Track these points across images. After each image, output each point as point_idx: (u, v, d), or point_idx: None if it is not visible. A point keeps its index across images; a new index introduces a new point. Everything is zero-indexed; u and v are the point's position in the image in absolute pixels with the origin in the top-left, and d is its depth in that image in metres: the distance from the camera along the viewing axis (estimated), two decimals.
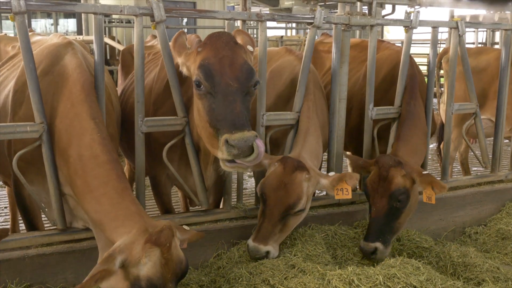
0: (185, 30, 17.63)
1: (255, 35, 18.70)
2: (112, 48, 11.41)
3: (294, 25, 19.27)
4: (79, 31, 15.77)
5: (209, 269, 3.69)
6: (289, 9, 21.18)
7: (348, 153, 5.92)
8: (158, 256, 2.62)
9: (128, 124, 3.92)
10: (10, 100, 3.30)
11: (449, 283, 3.22)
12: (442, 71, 6.52)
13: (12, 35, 3.94)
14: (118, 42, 11.87)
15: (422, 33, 16.19)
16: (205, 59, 3.02)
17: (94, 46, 3.38)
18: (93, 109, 3.06)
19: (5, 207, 5.79)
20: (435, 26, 4.64)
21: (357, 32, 7.69)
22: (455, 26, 4.68)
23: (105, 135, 2.99)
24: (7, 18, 3.22)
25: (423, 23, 4.56)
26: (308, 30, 4.02)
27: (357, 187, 5.15)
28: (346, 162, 6.25)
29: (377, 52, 4.45)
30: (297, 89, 3.99)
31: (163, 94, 3.72)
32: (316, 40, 5.78)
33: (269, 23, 5.57)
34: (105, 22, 12.09)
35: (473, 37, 13.13)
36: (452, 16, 12.50)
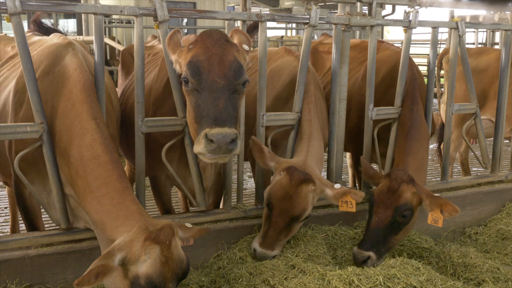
0: (185, 31, 17.71)
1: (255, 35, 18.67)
2: (112, 49, 11.42)
3: (294, 25, 19.26)
4: (79, 32, 15.77)
5: (209, 269, 3.69)
6: (289, 10, 21.20)
7: (348, 161, 5.93)
8: (157, 253, 2.61)
9: (128, 125, 3.92)
10: (11, 101, 3.30)
11: (449, 283, 3.22)
12: (442, 71, 6.52)
13: (12, 35, 3.94)
14: (118, 42, 11.87)
15: (422, 33, 16.21)
16: (194, 56, 3.02)
17: (94, 47, 3.38)
18: (94, 109, 3.06)
19: (5, 207, 5.79)
20: (435, 26, 4.64)
21: (357, 32, 7.70)
22: (455, 26, 4.68)
23: (106, 135, 2.99)
24: None
25: (423, 24, 4.56)
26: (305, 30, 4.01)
27: (357, 187, 5.16)
28: (346, 162, 6.28)
29: (377, 52, 4.45)
30: (296, 89, 3.99)
31: (163, 94, 3.72)
32: (316, 41, 5.79)
33: (269, 24, 5.57)
34: (105, 22, 12.10)
35: (473, 38, 13.12)
36: (452, 17, 12.51)
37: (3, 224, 5.42)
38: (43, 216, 3.63)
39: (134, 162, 3.69)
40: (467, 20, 10.26)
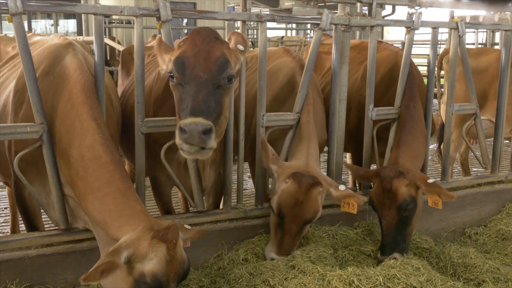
0: (185, 31, 17.69)
1: (255, 36, 18.72)
2: (112, 49, 11.42)
3: (294, 25, 19.27)
4: (79, 32, 15.78)
5: (209, 269, 3.69)
6: (289, 10, 21.21)
7: (348, 161, 5.94)
8: (164, 252, 2.62)
9: (129, 125, 3.92)
10: (11, 101, 3.30)
11: (449, 283, 3.22)
12: (442, 72, 6.52)
13: (12, 35, 3.94)
14: (118, 42, 11.87)
15: (422, 33, 16.20)
16: (182, 52, 3.03)
17: (94, 47, 3.38)
18: (94, 110, 3.06)
19: (5, 208, 5.79)
20: (435, 26, 4.64)
21: (357, 33, 7.70)
22: (455, 26, 4.68)
23: (107, 135, 2.99)
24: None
25: (423, 24, 4.56)
26: (310, 31, 4.02)
27: (357, 187, 5.16)
28: (346, 162, 6.27)
29: (376, 53, 4.45)
30: (299, 90, 3.99)
31: (163, 95, 3.72)
32: None
33: (269, 24, 5.57)
34: (105, 22, 12.11)
35: (473, 38, 13.12)
36: (452, 17, 12.50)
37: (3, 224, 5.42)
38: (43, 216, 3.63)
39: (134, 162, 3.69)
40: (467, 20, 10.26)
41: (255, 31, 18.35)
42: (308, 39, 15.03)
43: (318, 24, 4.02)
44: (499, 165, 5.29)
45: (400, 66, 4.47)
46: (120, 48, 9.45)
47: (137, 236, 2.66)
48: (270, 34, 18.99)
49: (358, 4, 8.87)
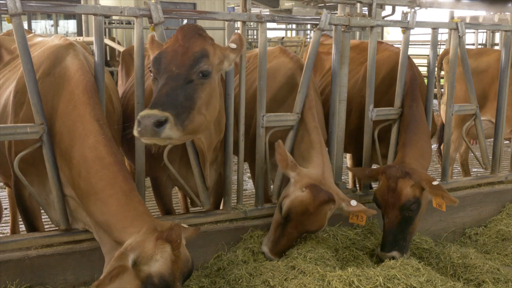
0: None
1: (255, 37, 18.73)
2: (112, 49, 11.41)
3: (294, 26, 19.27)
4: (79, 32, 15.78)
5: (209, 270, 3.69)
6: (289, 10, 21.23)
7: (348, 162, 5.94)
8: (169, 252, 2.64)
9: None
10: (11, 102, 3.30)
11: (449, 284, 3.22)
12: (442, 72, 6.52)
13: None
14: (118, 43, 11.87)
15: (422, 34, 16.22)
16: (164, 48, 3.04)
17: (94, 47, 3.38)
18: (96, 110, 3.06)
19: (5, 208, 5.79)
20: (435, 27, 4.64)
21: (357, 33, 7.70)
22: (455, 27, 4.68)
23: (109, 136, 2.99)
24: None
25: (423, 24, 4.56)
26: (310, 31, 4.03)
27: (357, 188, 5.16)
28: (346, 163, 6.28)
29: (376, 53, 4.45)
30: (298, 90, 3.99)
31: None
32: None
33: (269, 25, 5.57)
34: (105, 23, 12.11)
35: (473, 38, 13.13)
36: (452, 17, 12.51)
37: (3, 225, 5.41)
38: (43, 217, 3.63)
39: (135, 163, 3.69)
40: (467, 21, 10.26)
41: (255, 31, 18.36)
42: (308, 39, 15.03)
43: (317, 25, 4.03)
44: (499, 165, 5.29)
45: (406, 67, 4.47)
46: (120, 48, 9.44)
47: (141, 238, 2.67)
48: (270, 34, 18.99)
49: (358, 4, 8.86)
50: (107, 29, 13.52)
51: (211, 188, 3.95)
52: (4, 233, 5.16)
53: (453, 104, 4.82)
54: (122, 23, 14.14)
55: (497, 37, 13.31)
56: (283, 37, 17.92)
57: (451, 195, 4.68)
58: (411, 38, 4.58)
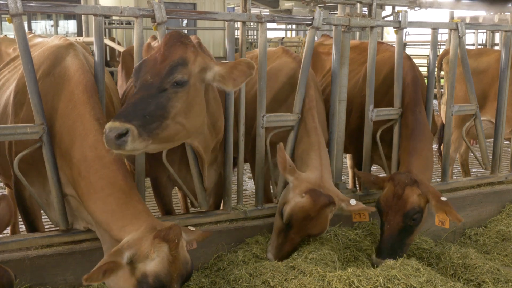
0: (185, 31, 17.63)
1: (255, 37, 18.73)
2: (112, 50, 11.42)
3: (294, 26, 19.27)
4: (79, 33, 15.77)
5: (209, 270, 3.69)
6: (289, 11, 21.23)
7: (348, 162, 5.93)
8: (166, 252, 2.62)
9: None
10: (11, 102, 3.31)
11: (449, 284, 3.22)
12: (442, 72, 6.52)
13: (12, 36, 3.94)
14: (118, 43, 11.88)
15: (422, 34, 16.21)
16: (147, 57, 3.02)
17: (94, 48, 3.38)
18: (96, 110, 3.06)
19: None
20: (435, 27, 4.64)
21: (357, 33, 7.70)
22: (455, 27, 4.68)
23: None
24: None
25: (423, 25, 4.56)
26: (307, 31, 4.03)
27: (357, 188, 5.16)
28: (346, 163, 6.28)
29: (377, 54, 4.46)
30: (297, 90, 3.99)
31: None
32: (316, 42, 5.78)
33: (269, 25, 5.57)
34: (105, 23, 12.11)
35: (473, 39, 13.13)
36: (452, 18, 12.51)
37: None
38: (43, 217, 3.63)
39: (135, 163, 3.69)
40: (467, 21, 10.26)
41: (255, 31, 18.36)
42: None
43: (310, 24, 3.99)
44: (499, 165, 5.29)
45: (402, 68, 4.47)
46: (120, 48, 9.44)
47: (139, 236, 2.67)
48: (270, 35, 18.99)
49: (358, 5, 8.85)
50: (107, 29, 13.52)
51: (210, 189, 3.95)
52: (4, 233, 5.15)
53: (453, 104, 4.82)
54: (122, 24, 14.15)
55: (497, 37, 13.30)
56: (283, 37, 17.93)
57: (450, 195, 4.73)
58: (411, 38, 4.61)
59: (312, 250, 3.62)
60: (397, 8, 13.65)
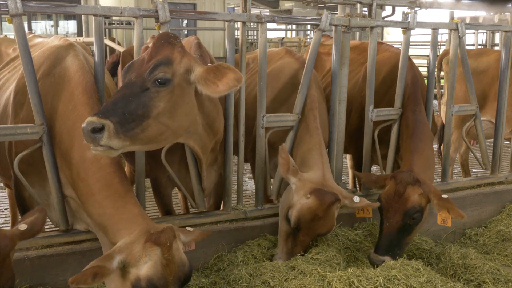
0: (185, 32, 17.61)
1: (255, 37, 18.73)
2: (112, 50, 11.40)
3: (294, 26, 19.28)
4: (79, 33, 15.78)
5: (209, 271, 3.69)
6: (289, 11, 21.22)
7: (348, 163, 5.93)
8: (158, 255, 2.60)
9: None
10: (11, 102, 3.30)
11: (449, 284, 3.22)
12: (442, 73, 6.52)
13: (12, 36, 3.94)
14: (118, 43, 11.86)
15: (422, 34, 16.22)
16: (136, 58, 3.02)
17: (94, 48, 3.38)
18: (95, 111, 3.05)
19: (5, 209, 5.79)
20: (435, 27, 4.65)
21: (357, 33, 7.70)
22: (455, 27, 4.68)
23: None
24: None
25: (423, 25, 4.56)
26: (310, 32, 4.03)
27: (357, 188, 5.16)
28: (346, 163, 6.28)
29: (376, 54, 4.46)
30: (299, 91, 3.99)
31: None
32: None
33: (269, 25, 5.57)
34: (105, 23, 12.10)
35: (473, 39, 13.12)
36: (452, 18, 12.51)
37: (3, 225, 5.42)
38: None
39: (135, 164, 3.69)
40: (467, 21, 10.27)
41: (255, 32, 18.37)
42: (308, 40, 15.04)
43: (317, 25, 4.03)
44: (499, 166, 5.29)
45: (406, 68, 4.47)
46: (120, 49, 9.44)
47: (131, 240, 2.66)
48: (271, 35, 19.00)
49: (358, 5, 8.86)
50: (107, 30, 13.52)
51: (210, 189, 3.95)
52: None
53: (453, 104, 4.82)
54: (122, 24, 14.14)
55: (497, 37, 13.30)
56: (283, 38, 17.94)
57: (450, 195, 4.72)
58: (411, 38, 4.58)
59: (319, 251, 3.63)
60: (397, 8, 13.67)
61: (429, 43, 4.79)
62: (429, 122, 4.58)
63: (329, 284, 3.12)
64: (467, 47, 5.05)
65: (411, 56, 4.67)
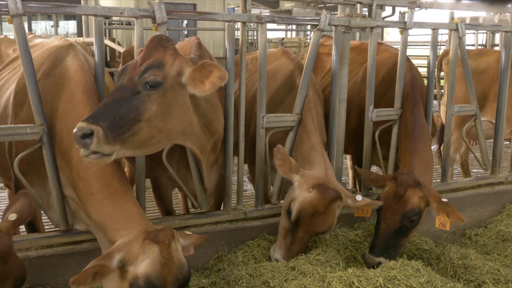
0: (185, 32, 17.60)
1: (255, 37, 18.74)
2: (112, 50, 11.43)
3: (294, 27, 19.28)
4: (79, 33, 15.79)
5: (209, 271, 3.69)
6: (289, 11, 21.24)
7: (348, 163, 5.92)
8: (156, 253, 2.60)
9: None
10: (11, 102, 3.31)
11: (449, 285, 3.22)
12: (442, 73, 6.53)
13: (12, 37, 3.94)
14: (118, 44, 11.89)
15: (422, 35, 16.22)
16: (131, 61, 3.01)
17: (94, 48, 3.38)
18: None
19: None
20: (435, 28, 4.65)
21: (357, 34, 7.71)
22: (455, 28, 4.68)
23: None
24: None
25: (423, 25, 4.56)
26: (310, 32, 4.04)
27: (357, 188, 5.16)
28: (346, 163, 6.28)
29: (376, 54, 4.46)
30: (298, 91, 3.99)
31: None
32: None
33: (269, 25, 5.57)
34: (105, 24, 12.11)
35: (473, 39, 13.13)
36: (452, 18, 12.52)
37: None
38: (43, 217, 3.63)
39: (135, 164, 3.69)
40: (467, 21, 10.27)
41: (255, 32, 18.37)
42: (308, 40, 15.04)
43: (317, 25, 4.03)
44: (499, 166, 5.29)
45: (405, 68, 4.47)
46: (120, 49, 9.45)
47: (129, 239, 2.66)
48: (271, 35, 19.00)
49: (358, 5, 8.86)
50: (107, 30, 13.53)
51: (211, 189, 3.95)
52: None
53: (453, 105, 4.82)
54: (122, 24, 14.15)
55: (497, 38, 13.31)
56: (283, 38, 17.95)
57: (450, 196, 4.73)
58: (411, 39, 4.59)
59: (332, 255, 3.62)
60: (397, 9, 13.67)
61: (429, 44, 4.79)
62: (429, 122, 4.59)
63: (329, 285, 3.12)
64: (467, 47, 5.05)
65: (411, 57, 4.68)
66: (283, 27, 18.78)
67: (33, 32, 13.69)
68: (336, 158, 4.36)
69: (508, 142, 6.46)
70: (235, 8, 24.85)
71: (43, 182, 3.25)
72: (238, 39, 12.86)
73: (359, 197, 3.63)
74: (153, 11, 3.39)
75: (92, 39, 3.71)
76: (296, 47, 15.73)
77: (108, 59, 11.59)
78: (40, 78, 3.20)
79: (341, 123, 4.34)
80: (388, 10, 14.09)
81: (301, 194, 3.51)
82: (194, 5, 16.84)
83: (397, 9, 13.76)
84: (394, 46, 5.29)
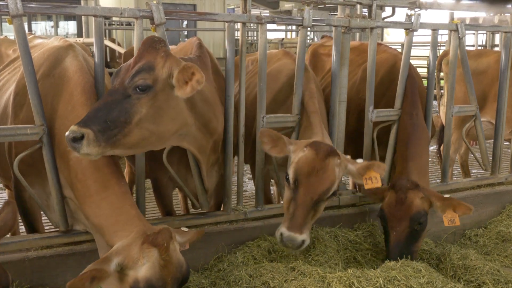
0: (185, 33, 17.56)
1: (255, 38, 18.75)
2: (112, 51, 11.42)
3: (294, 27, 19.26)
4: (79, 34, 15.80)
5: (209, 271, 3.69)
6: (289, 12, 21.22)
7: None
8: (156, 257, 2.60)
9: None
10: (11, 103, 3.31)
11: (449, 285, 3.22)
12: (442, 74, 6.53)
13: (12, 37, 3.94)
14: (118, 44, 11.88)
15: (422, 35, 16.20)
16: (124, 64, 3.01)
17: (94, 49, 3.38)
18: None
19: None
20: (435, 28, 4.65)
21: (357, 34, 7.70)
22: (455, 28, 4.69)
23: None
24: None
25: (423, 26, 4.56)
26: (310, 33, 4.04)
27: (357, 189, 5.16)
28: None
29: None
30: (294, 91, 3.99)
31: None
32: (317, 43, 5.80)
33: (269, 26, 5.57)
34: (105, 24, 12.11)
35: (473, 40, 13.12)
36: (452, 19, 12.51)
37: None
38: (43, 218, 3.63)
39: (135, 164, 3.69)
40: (467, 22, 10.26)
41: (255, 32, 18.38)
42: (308, 40, 15.04)
43: (301, 24, 3.97)
44: (499, 166, 5.29)
45: (398, 68, 4.47)
46: (120, 49, 9.45)
47: (128, 242, 2.66)
48: (270, 35, 19.01)
49: (358, 6, 8.84)
50: (107, 30, 13.53)
51: (211, 190, 3.95)
52: None
53: (453, 105, 4.82)
54: (122, 24, 14.15)
55: (497, 38, 13.30)
56: (283, 38, 17.94)
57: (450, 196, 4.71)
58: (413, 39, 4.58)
59: (319, 253, 3.61)
60: (397, 9, 13.67)
61: (429, 44, 4.79)
62: (429, 123, 4.58)
63: (329, 285, 3.12)
64: (467, 48, 5.05)
65: (411, 57, 4.67)
66: (283, 27, 18.78)
67: (33, 32, 13.69)
68: None
69: (508, 143, 6.46)
70: (235, 9, 24.85)
71: (43, 182, 3.25)
72: (238, 39, 12.87)
73: (360, 160, 3.50)
74: (151, 12, 3.39)
75: (92, 39, 3.71)
76: (295, 47, 15.72)
77: (108, 60, 11.58)
78: (39, 79, 3.20)
79: (341, 124, 4.34)
80: (388, 10, 14.08)
81: (296, 155, 3.40)
82: (194, 6, 16.85)
83: (397, 9, 13.76)
84: (393, 47, 5.29)
